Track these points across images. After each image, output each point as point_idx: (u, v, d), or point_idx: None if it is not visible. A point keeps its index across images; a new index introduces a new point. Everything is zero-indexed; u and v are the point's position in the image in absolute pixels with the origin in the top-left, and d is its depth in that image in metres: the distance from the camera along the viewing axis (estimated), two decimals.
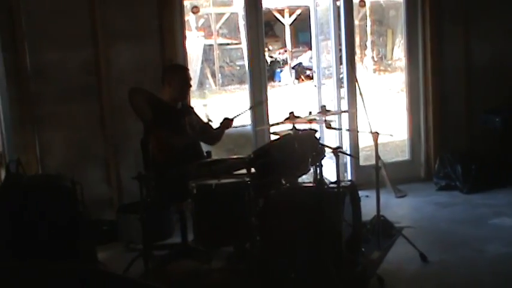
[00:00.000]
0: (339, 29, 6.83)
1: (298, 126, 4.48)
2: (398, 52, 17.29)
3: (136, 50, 5.87)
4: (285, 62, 20.47)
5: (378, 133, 4.77)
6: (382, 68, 19.08)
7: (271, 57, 20.65)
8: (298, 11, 19.41)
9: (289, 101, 14.27)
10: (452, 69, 7.00)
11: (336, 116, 6.71)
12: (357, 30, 17.67)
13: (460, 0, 6.94)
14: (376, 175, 4.75)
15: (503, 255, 4.77)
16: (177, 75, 4.96)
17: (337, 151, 4.24)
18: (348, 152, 6.70)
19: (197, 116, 5.17)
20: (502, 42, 7.13)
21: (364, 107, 6.47)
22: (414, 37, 7.00)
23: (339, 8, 6.79)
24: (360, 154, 7.07)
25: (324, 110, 4.68)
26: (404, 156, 7.43)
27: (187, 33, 6.68)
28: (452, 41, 6.96)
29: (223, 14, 18.67)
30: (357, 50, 17.69)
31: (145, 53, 5.91)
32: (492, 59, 7.08)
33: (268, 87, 6.99)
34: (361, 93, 6.66)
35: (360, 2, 7.67)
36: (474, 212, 5.88)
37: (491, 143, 6.93)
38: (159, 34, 5.93)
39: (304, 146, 4.29)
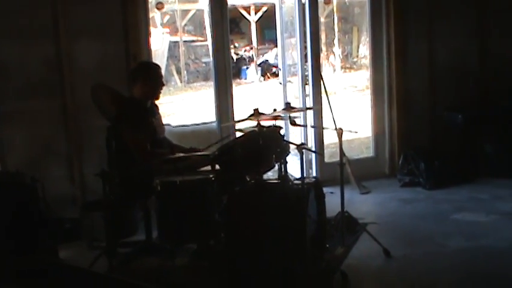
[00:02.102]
0: (304, 26, 6.85)
1: (263, 123, 4.48)
2: (364, 50, 17.43)
3: (100, 47, 5.81)
4: (251, 59, 20.47)
5: (342, 130, 4.79)
6: (347, 65, 19.21)
7: (237, 54, 20.64)
8: (264, 8, 19.44)
9: (255, 98, 14.28)
10: (416, 68, 7.09)
11: (301, 113, 6.74)
12: (322, 28, 17.78)
13: (424, 0, 7.02)
14: (341, 172, 4.78)
15: (464, 249, 4.86)
16: (152, 73, 4.93)
17: (301, 148, 4.26)
18: (313, 149, 6.74)
19: (160, 116, 5.15)
20: (464, 41, 7.23)
21: (329, 104, 6.52)
22: (379, 35, 7.06)
23: (304, 5, 6.80)
24: (325, 151, 7.10)
25: (288, 107, 4.69)
26: (369, 153, 7.49)
27: (152, 30, 6.64)
28: (416, 39, 7.04)
29: (188, 10, 18.59)
30: (323, 48, 17.79)
31: (109, 49, 5.85)
32: (455, 58, 7.19)
33: (234, 85, 6.98)
34: (326, 91, 6.72)
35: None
36: (436, 208, 5.97)
37: (454, 140, 7.03)
38: (123, 30, 5.88)
39: (268, 143, 4.30)
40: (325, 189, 4.69)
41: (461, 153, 6.96)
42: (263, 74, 19.56)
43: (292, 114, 4.79)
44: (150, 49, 6.17)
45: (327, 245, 4.55)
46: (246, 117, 4.57)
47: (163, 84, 5.01)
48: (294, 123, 4.78)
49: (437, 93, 7.16)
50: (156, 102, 5.13)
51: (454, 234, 5.18)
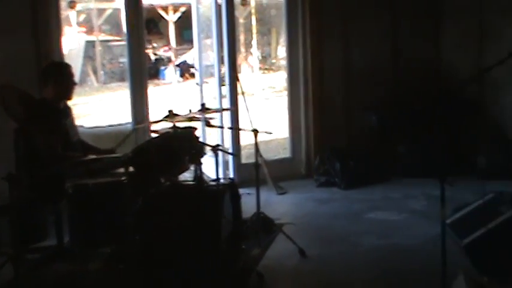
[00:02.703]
0: (221, 27, 6.82)
1: (179, 124, 4.45)
2: (283, 51, 17.60)
3: (7, 46, 5.58)
4: (169, 60, 20.29)
5: (257, 131, 4.81)
6: (266, 66, 19.37)
7: (156, 54, 20.42)
8: (183, 9, 19.28)
9: (174, 99, 14.16)
10: (332, 69, 7.19)
11: (218, 114, 6.71)
12: (241, 29, 17.84)
13: (339, 2, 7.14)
14: (256, 172, 4.79)
15: (377, 247, 4.97)
16: (64, 73, 4.78)
17: (216, 149, 4.25)
18: (230, 150, 6.72)
19: (73, 118, 5.00)
20: (378, 43, 7.39)
21: (246, 105, 6.54)
22: (295, 37, 7.12)
23: (220, 6, 6.78)
24: (242, 152, 7.11)
25: (203, 108, 4.67)
26: (286, 153, 7.55)
27: (67, 29, 6.46)
28: (331, 40, 7.14)
29: (105, 9, 18.25)
30: (242, 49, 17.86)
31: (18, 48, 5.63)
32: (369, 59, 7.33)
33: (152, 85, 6.89)
34: (242, 92, 6.74)
35: (242, 0, 7.70)
36: (351, 207, 6.07)
37: (368, 140, 7.17)
38: (32, 29, 5.67)
39: (183, 144, 4.27)
40: (242, 190, 4.68)
41: (376, 153, 7.11)
42: (182, 75, 19.42)
43: (208, 115, 4.76)
44: (62, 48, 5.99)
45: (243, 246, 4.54)
46: (160, 118, 4.52)
47: (76, 84, 4.88)
48: (209, 125, 4.76)
49: (352, 94, 7.29)
50: (70, 103, 4.99)
51: (368, 232, 5.28)
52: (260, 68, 18.41)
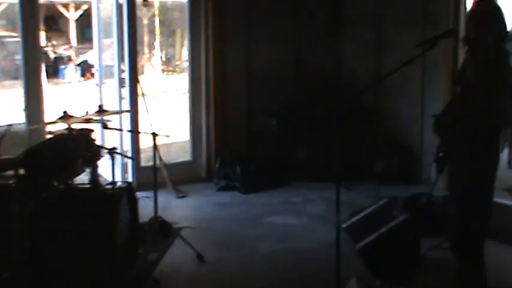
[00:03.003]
0: (122, 27, 6.68)
1: (76, 126, 4.31)
2: (187, 53, 17.55)
3: None
4: (70, 59, 19.74)
5: (156, 134, 4.73)
6: (170, 68, 19.23)
7: (56, 52, 19.84)
8: (85, 6, 18.85)
9: (73, 99, 13.77)
10: (234, 72, 7.19)
11: (117, 116, 6.56)
12: (145, 30, 17.63)
13: (242, 6, 7.16)
14: (154, 176, 4.71)
15: (275, 251, 5.00)
16: None
17: (113, 152, 4.14)
18: (129, 153, 6.59)
19: None
20: (281, 48, 7.47)
21: (146, 107, 6.43)
22: (197, 39, 7.06)
23: (121, 5, 6.63)
24: (142, 155, 6.96)
25: (101, 110, 4.54)
26: (187, 157, 7.47)
27: None
28: (234, 44, 7.15)
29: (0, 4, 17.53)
30: (146, 50, 17.64)
31: None
32: (271, 64, 7.40)
33: (51, 84, 6.64)
34: (143, 94, 6.63)
35: (143, 1, 7.57)
36: (251, 211, 6.08)
37: (270, 144, 7.22)
38: None
39: (78, 146, 4.14)
40: (140, 194, 4.62)
41: (277, 157, 7.17)
42: (83, 74, 18.95)
43: (106, 117, 4.64)
44: None
45: (140, 251, 4.47)
46: (55, 119, 4.37)
47: None
48: (106, 127, 4.63)
49: (254, 98, 7.32)
50: None
51: (266, 237, 5.31)
52: (164, 70, 18.26)
